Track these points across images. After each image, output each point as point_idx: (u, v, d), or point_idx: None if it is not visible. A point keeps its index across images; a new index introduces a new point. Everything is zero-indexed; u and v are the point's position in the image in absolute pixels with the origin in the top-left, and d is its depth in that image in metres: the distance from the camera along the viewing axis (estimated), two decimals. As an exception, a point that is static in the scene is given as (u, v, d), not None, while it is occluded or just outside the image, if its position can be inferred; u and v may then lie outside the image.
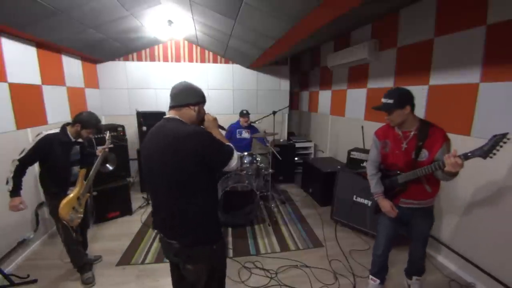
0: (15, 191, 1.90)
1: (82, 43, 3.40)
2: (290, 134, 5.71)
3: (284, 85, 5.31)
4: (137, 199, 3.93)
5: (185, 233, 1.29)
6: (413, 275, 2.08)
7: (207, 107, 1.44)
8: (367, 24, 3.39)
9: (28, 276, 2.25)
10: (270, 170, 3.53)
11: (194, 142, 1.20)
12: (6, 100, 2.45)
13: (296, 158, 4.95)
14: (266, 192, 3.76)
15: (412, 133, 1.70)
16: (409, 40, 2.75)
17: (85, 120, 2.11)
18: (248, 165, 3.38)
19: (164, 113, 4.68)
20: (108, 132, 2.50)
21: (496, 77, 1.98)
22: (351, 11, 1.88)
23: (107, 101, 4.65)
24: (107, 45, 3.80)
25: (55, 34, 2.84)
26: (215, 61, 4.95)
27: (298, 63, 5.88)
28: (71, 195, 2.08)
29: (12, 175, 1.89)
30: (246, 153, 3.48)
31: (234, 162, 1.32)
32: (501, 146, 1.35)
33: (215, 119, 1.48)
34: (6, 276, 2.14)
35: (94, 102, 4.36)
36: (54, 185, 2.10)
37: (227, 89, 5.04)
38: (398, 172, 1.78)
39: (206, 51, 4.90)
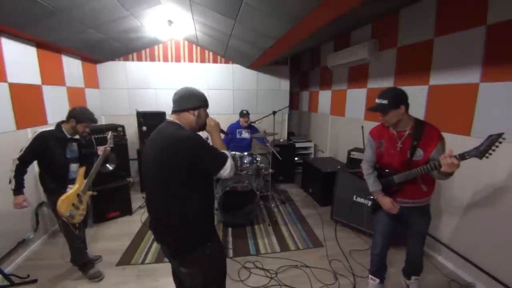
0: (18, 189, 1.97)
1: (82, 43, 3.40)
2: (290, 134, 5.71)
3: (284, 85, 5.31)
4: (137, 199, 3.93)
5: (171, 237, 1.30)
6: (412, 275, 2.08)
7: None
8: (367, 24, 3.39)
9: (28, 276, 2.25)
10: (270, 170, 3.53)
11: (185, 147, 1.21)
12: (6, 100, 2.45)
13: (296, 158, 4.95)
14: (266, 192, 3.76)
15: (407, 132, 1.71)
16: (409, 40, 2.75)
17: (78, 114, 2.12)
18: (248, 165, 3.38)
19: (164, 113, 4.68)
20: (110, 132, 2.50)
21: (496, 77, 1.98)
22: (351, 11, 1.88)
23: (107, 101, 4.65)
24: (107, 45, 3.80)
25: (55, 34, 2.84)
26: (215, 61, 4.95)
27: (298, 63, 5.88)
28: (70, 192, 2.09)
29: (13, 174, 1.95)
30: (246, 153, 3.48)
31: (226, 171, 1.30)
32: (496, 146, 1.35)
33: (217, 124, 1.47)
34: (6, 276, 2.14)
35: (94, 102, 4.36)
36: (52, 181, 2.11)
37: (227, 89, 5.04)
38: (394, 172, 1.78)
39: (206, 51, 4.90)
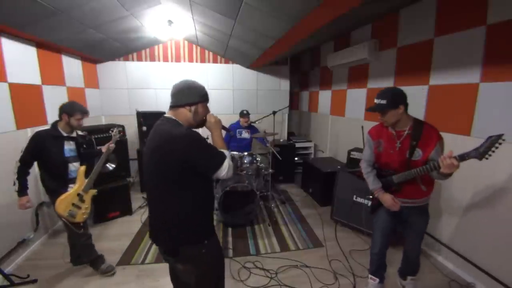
0: (21, 190, 2.01)
1: (82, 43, 3.40)
2: (290, 134, 5.71)
3: (284, 85, 5.31)
4: (137, 199, 3.93)
5: (165, 234, 1.30)
6: (408, 275, 2.08)
7: (207, 107, 1.42)
8: (367, 24, 3.39)
9: (28, 276, 2.25)
10: (270, 170, 3.53)
11: (180, 145, 1.18)
12: (6, 100, 2.46)
13: (296, 158, 4.95)
14: (266, 192, 3.76)
15: (406, 132, 1.71)
16: (409, 40, 2.75)
17: (68, 108, 2.11)
18: (248, 165, 3.38)
19: (164, 113, 4.68)
20: (115, 128, 2.45)
21: (496, 77, 1.98)
22: (351, 11, 1.88)
23: (107, 101, 4.65)
24: (107, 45, 3.80)
25: (55, 34, 2.84)
26: (215, 61, 4.96)
27: (298, 63, 5.88)
28: (69, 191, 2.09)
29: (16, 176, 1.99)
30: (246, 153, 3.48)
31: (223, 172, 1.25)
32: (496, 147, 1.34)
33: (217, 121, 1.40)
34: (6, 276, 2.14)
35: (94, 102, 4.36)
36: (52, 181, 2.12)
37: (227, 89, 5.04)
38: (393, 172, 1.78)
39: (206, 51, 4.90)
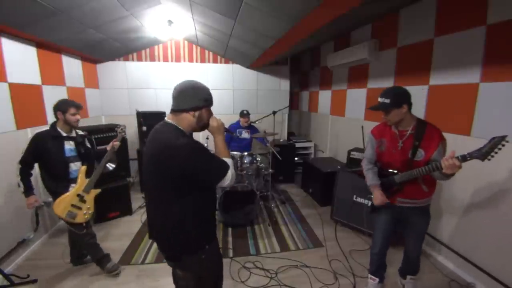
0: (27, 191, 2.02)
1: (82, 43, 3.40)
2: (290, 134, 5.71)
3: (284, 85, 5.31)
4: (137, 199, 3.93)
5: (164, 241, 1.29)
6: (408, 275, 2.08)
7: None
8: (367, 24, 3.39)
9: (28, 276, 2.25)
10: (270, 170, 3.53)
11: (183, 157, 1.13)
12: (6, 100, 2.45)
13: (296, 158, 4.95)
14: (266, 192, 3.76)
15: (408, 132, 1.71)
16: (409, 40, 2.75)
17: (61, 104, 2.09)
18: (248, 165, 3.38)
19: (164, 113, 4.66)
20: (122, 125, 2.40)
21: (496, 77, 1.98)
22: (351, 11, 1.88)
23: (107, 101, 4.65)
24: (107, 45, 3.80)
25: (55, 34, 2.84)
26: (215, 61, 4.96)
27: (298, 63, 5.88)
28: (68, 193, 2.08)
29: (19, 178, 1.99)
30: (246, 153, 3.48)
31: (226, 182, 1.21)
32: (499, 149, 1.34)
33: (220, 125, 1.33)
34: (6, 276, 2.14)
35: (94, 102, 4.36)
36: (52, 181, 2.11)
37: (227, 89, 5.04)
38: (395, 172, 1.78)
39: (206, 51, 4.90)
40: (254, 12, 2.26)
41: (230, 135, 3.96)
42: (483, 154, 1.37)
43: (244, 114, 4.07)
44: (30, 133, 2.71)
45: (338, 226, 3.18)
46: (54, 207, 2.02)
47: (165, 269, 1.37)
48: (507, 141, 1.33)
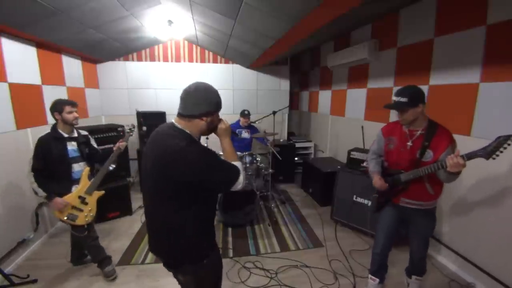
0: (49, 195, 1.99)
1: (82, 43, 3.40)
2: (290, 134, 5.71)
3: (284, 85, 5.31)
4: (137, 199, 3.93)
5: (167, 252, 1.24)
6: (413, 275, 2.08)
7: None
8: (367, 24, 3.39)
9: (28, 276, 2.25)
10: (270, 170, 3.53)
11: (197, 167, 1.09)
12: (6, 100, 2.45)
13: (296, 158, 4.95)
14: (266, 192, 3.76)
15: (419, 132, 1.70)
16: (409, 40, 2.75)
17: (56, 104, 2.05)
18: (248, 165, 3.38)
19: (164, 113, 4.63)
20: (130, 124, 2.36)
21: (496, 77, 1.98)
22: (351, 11, 1.88)
23: (107, 101, 4.65)
24: (107, 45, 3.80)
25: (55, 34, 2.84)
26: (215, 61, 4.96)
27: (298, 63, 5.88)
28: (69, 194, 2.07)
29: (36, 185, 1.97)
30: (246, 153, 3.48)
31: (238, 186, 1.19)
32: (505, 148, 1.33)
33: (228, 128, 1.30)
34: (6, 276, 2.14)
35: (94, 102, 4.36)
36: (56, 183, 2.07)
37: (227, 89, 5.04)
38: (402, 171, 1.78)
39: (206, 51, 4.90)
40: (254, 12, 2.26)
41: (237, 138, 3.95)
42: (488, 153, 1.36)
43: (245, 115, 4.07)
44: (30, 133, 2.71)
45: (338, 226, 3.18)
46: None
47: (165, 269, 1.38)
48: None
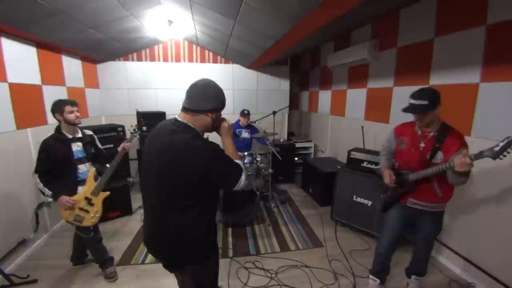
0: (54, 194, 1.98)
1: (82, 43, 3.40)
2: (290, 134, 5.70)
3: (284, 85, 5.31)
4: (137, 199, 3.92)
5: (171, 253, 1.23)
6: (413, 275, 2.08)
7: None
8: (367, 24, 3.39)
9: (28, 276, 2.25)
10: (270, 170, 3.53)
11: (204, 160, 1.09)
12: (6, 100, 2.45)
13: (296, 158, 4.95)
14: (266, 192, 3.76)
15: (431, 134, 1.70)
16: (409, 40, 2.75)
17: (57, 105, 2.02)
18: (248, 165, 3.38)
19: (164, 113, 4.62)
20: (135, 124, 2.33)
21: (496, 77, 1.98)
22: (351, 11, 1.88)
23: (107, 101, 4.65)
24: (107, 45, 3.80)
25: (55, 34, 2.85)
26: (215, 61, 4.96)
27: (298, 63, 5.88)
28: (76, 196, 2.05)
29: (42, 185, 1.97)
30: (246, 153, 3.48)
31: (240, 184, 1.19)
32: None
33: (230, 126, 1.31)
34: (6, 276, 2.14)
35: (94, 102, 4.36)
36: (62, 183, 2.05)
37: (227, 89, 5.02)
38: (411, 171, 1.78)
39: (206, 51, 4.90)
40: (254, 12, 2.26)
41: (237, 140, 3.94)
42: (496, 153, 1.36)
43: (245, 114, 4.07)
44: (30, 133, 2.71)
45: (338, 226, 3.18)
46: (61, 211, 2.00)
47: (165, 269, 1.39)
48: None
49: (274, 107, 4.65)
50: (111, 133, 3.81)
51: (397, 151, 1.90)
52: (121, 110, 4.70)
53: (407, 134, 1.82)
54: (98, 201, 2.15)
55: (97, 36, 3.32)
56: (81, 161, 2.13)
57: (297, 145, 5.00)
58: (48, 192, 1.97)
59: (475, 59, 2.10)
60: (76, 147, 2.12)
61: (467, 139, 2.13)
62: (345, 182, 3.12)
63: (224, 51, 4.43)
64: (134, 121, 4.15)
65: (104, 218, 3.25)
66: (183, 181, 1.11)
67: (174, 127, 1.16)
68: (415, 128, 1.79)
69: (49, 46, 3.08)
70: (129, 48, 4.35)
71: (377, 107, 3.33)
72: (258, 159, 3.54)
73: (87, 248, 2.33)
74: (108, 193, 2.22)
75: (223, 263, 2.38)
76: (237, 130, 4.11)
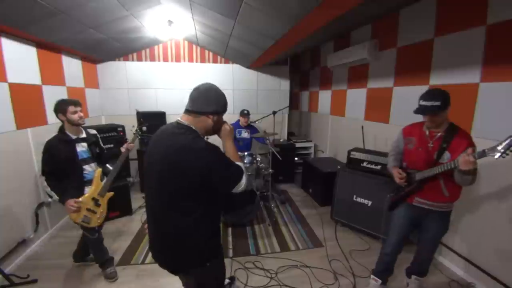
0: (61, 197, 1.96)
1: (82, 43, 3.40)
2: (290, 134, 5.70)
3: (284, 85, 5.31)
4: (137, 199, 3.93)
5: (168, 255, 1.22)
6: (414, 275, 2.08)
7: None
8: (367, 24, 3.39)
9: (28, 276, 2.25)
10: (270, 170, 3.53)
11: (205, 162, 1.10)
12: (6, 100, 2.45)
13: (296, 158, 4.95)
14: (266, 192, 3.76)
15: (439, 134, 1.71)
16: (409, 40, 2.75)
17: (60, 105, 1.99)
18: (248, 165, 3.38)
19: (164, 113, 4.63)
20: (138, 125, 2.35)
21: (496, 77, 1.98)
22: (350, 11, 1.88)
23: (107, 101, 4.65)
24: (107, 45, 3.80)
25: (55, 34, 2.85)
26: (215, 61, 4.96)
27: (298, 63, 5.88)
28: (83, 197, 2.03)
29: (49, 188, 1.96)
30: (246, 153, 3.48)
31: (240, 187, 1.19)
32: None
33: (231, 130, 1.33)
34: (6, 276, 2.14)
35: (94, 102, 4.36)
36: (69, 184, 2.03)
37: (227, 89, 5.04)
38: (418, 170, 1.78)
39: (206, 51, 4.90)
40: (254, 12, 2.26)
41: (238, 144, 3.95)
42: (499, 152, 1.36)
43: (244, 114, 4.07)
44: (30, 133, 2.71)
45: (338, 226, 3.18)
46: (69, 213, 1.99)
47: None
48: None
49: (274, 107, 4.65)
50: (111, 133, 3.81)
51: (405, 151, 1.91)
52: (121, 110, 4.70)
53: (415, 134, 1.83)
54: (104, 201, 2.15)
55: (97, 36, 3.32)
56: (86, 161, 2.11)
57: (297, 145, 5.00)
58: (55, 196, 1.96)
59: (475, 59, 2.10)
60: (81, 147, 2.09)
61: (467, 139, 2.16)
62: (345, 182, 3.12)
63: (224, 51, 4.43)
64: (134, 121, 4.19)
65: (104, 218, 3.28)
66: (185, 182, 1.12)
67: (176, 129, 1.18)
68: (423, 128, 1.79)
69: (49, 46, 3.08)
70: (129, 48, 4.35)
71: (377, 107, 3.33)
72: (258, 159, 3.54)
73: (89, 248, 2.33)
74: (112, 193, 2.22)
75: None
76: (237, 130, 4.13)
